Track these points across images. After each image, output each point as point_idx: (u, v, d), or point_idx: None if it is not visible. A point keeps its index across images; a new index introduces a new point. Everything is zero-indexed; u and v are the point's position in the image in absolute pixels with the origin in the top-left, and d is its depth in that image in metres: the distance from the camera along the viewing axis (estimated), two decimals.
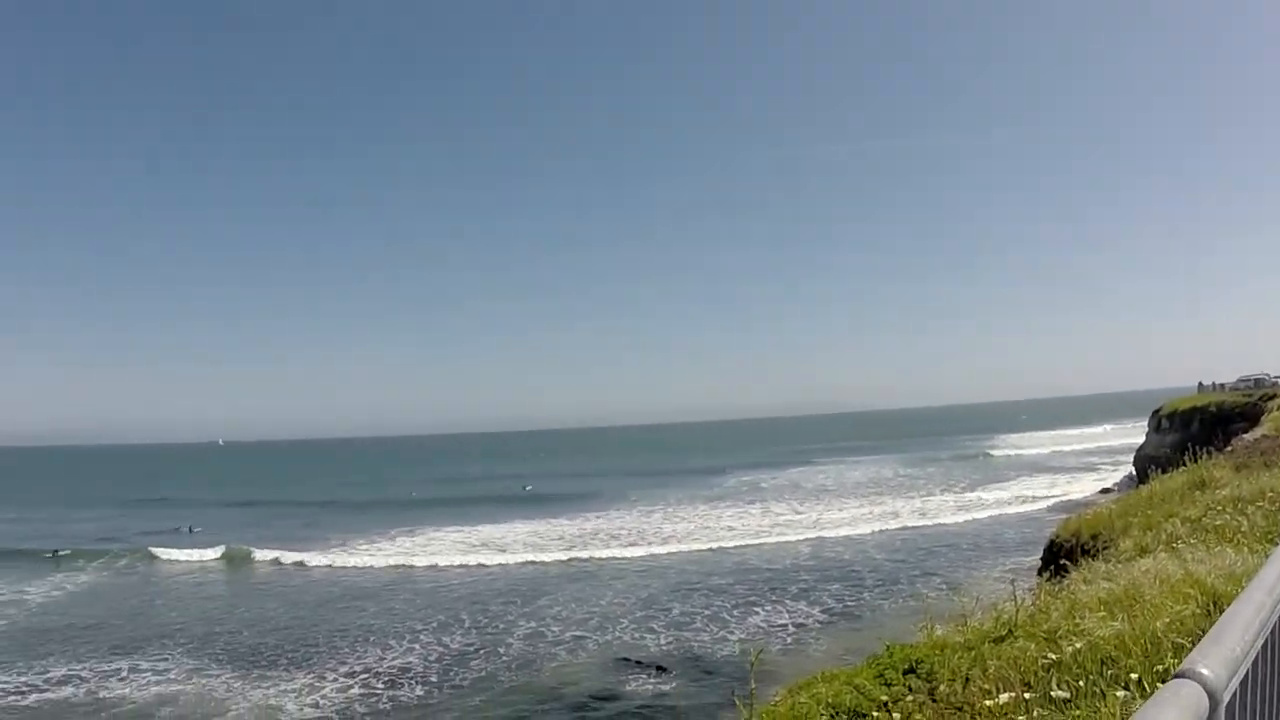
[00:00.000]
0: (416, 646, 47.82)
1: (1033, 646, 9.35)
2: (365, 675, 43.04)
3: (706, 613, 52.41)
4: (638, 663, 42.29)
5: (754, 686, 10.69)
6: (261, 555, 77.49)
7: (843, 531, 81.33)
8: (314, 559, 72.61)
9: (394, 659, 45.61)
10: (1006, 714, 7.84)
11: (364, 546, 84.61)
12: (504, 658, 45.06)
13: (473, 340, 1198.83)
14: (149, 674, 44.89)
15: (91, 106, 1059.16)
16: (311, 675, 43.28)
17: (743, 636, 46.20)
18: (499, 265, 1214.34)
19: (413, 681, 41.82)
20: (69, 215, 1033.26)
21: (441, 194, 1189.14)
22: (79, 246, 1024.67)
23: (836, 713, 9.98)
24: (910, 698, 9.49)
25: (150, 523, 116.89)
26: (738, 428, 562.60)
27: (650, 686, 38.98)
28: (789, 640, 44.93)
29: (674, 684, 39.08)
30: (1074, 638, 9.03)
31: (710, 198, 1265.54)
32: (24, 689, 43.24)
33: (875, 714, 9.30)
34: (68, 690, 42.83)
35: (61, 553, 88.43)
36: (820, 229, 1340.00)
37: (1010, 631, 10.51)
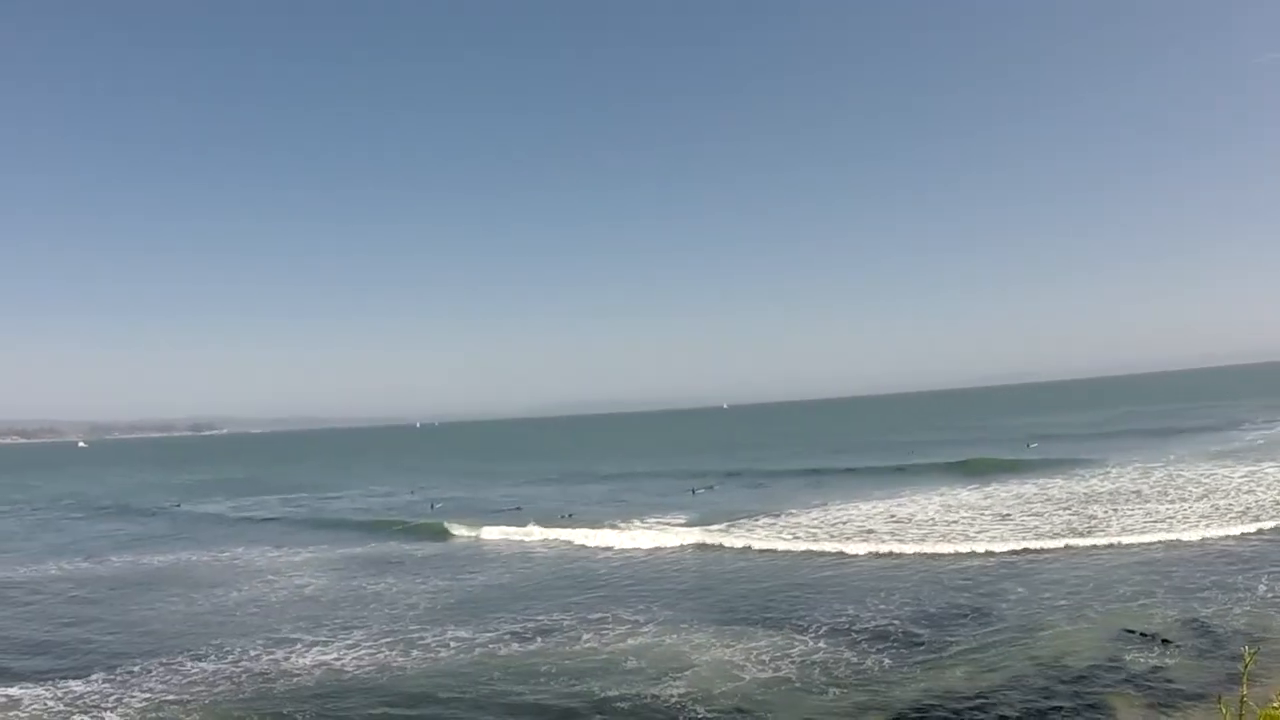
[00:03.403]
0: (888, 613, 46.46)
1: None
2: (832, 638, 42.42)
3: (1212, 578, 48.12)
4: (1141, 634, 39.14)
5: (1244, 692, 8.00)
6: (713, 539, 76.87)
7: None
8: (761, 542, 71.02)
9: (863, 624, 44.58)
10: None
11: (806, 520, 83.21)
12: (994, 623, 43.07)
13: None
14: (621, 627, 47.42)
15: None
16: (778, 637, 43.07)
17: (1250, 609, 41.90)
18: None
19: (885, 646, 40.71)
20: None
21: None
22: None
23: None
24: None
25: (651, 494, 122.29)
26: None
27: (1151, 660, 35.94)
28: None
29: (1175, 659, 35.92)
30: None
31: None
32: (510, 636, 47.25)
33: None
34: (551, 639, 46.05)
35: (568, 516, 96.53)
36: None
37: None
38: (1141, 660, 35.70)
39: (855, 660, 38.57)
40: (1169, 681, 33.04)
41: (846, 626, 43.98)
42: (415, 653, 45.04)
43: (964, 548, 61.59)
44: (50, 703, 39.85)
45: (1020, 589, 49.38)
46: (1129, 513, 70.57)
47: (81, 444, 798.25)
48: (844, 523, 77.17)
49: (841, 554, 62.37)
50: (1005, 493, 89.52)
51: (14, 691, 41.69)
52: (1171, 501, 74.68)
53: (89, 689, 41.64)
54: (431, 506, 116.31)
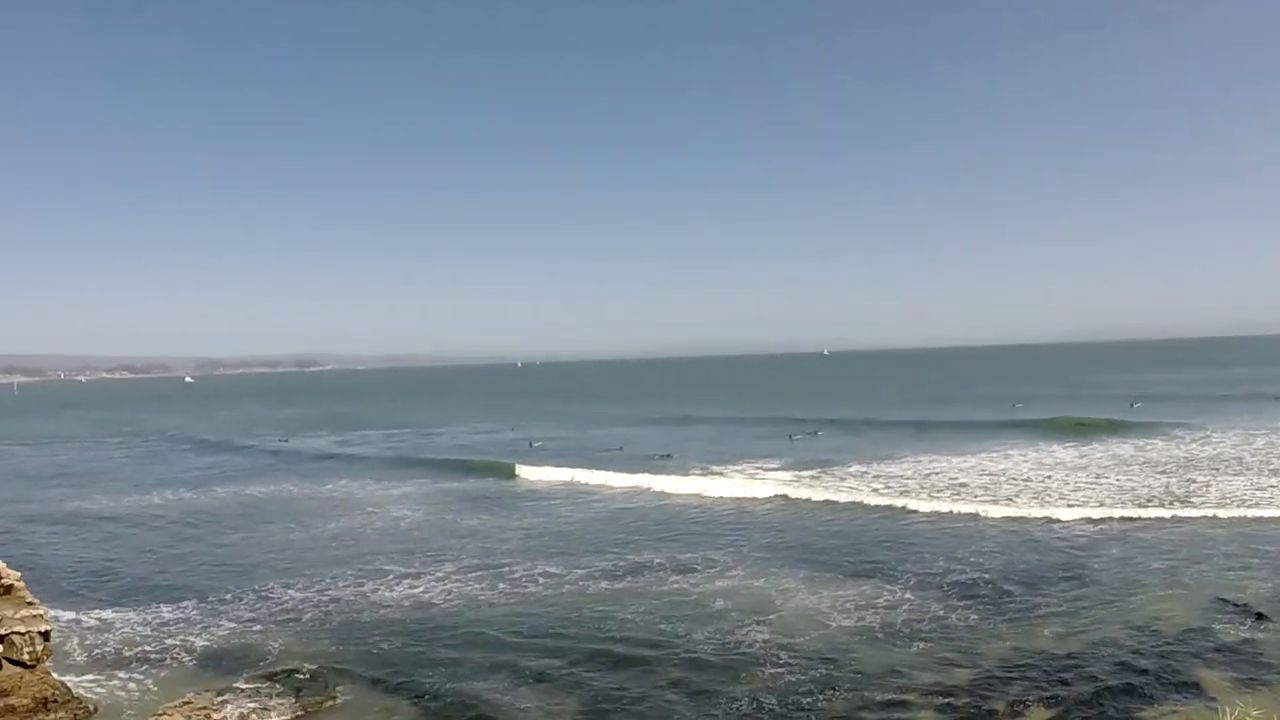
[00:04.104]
0: (977, 568, 46.24)
1: None
2: (920, 591, 42.35)
3: None
4: (1234, 604, 38.33)
5: None
6: (806, 486, 76.56)
7: None
8: (853, 492, 70.43)
9: (951, 579, 44.38)
10: None
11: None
12: (1086, 585, 42.58)
13: None
14: (711, 569, 47.96)
15: None
16: (867, 587, 43.23)
17: None
18: None
19: (973, 602, 40.53)
20: None
21: None
22: None
23: None
24: None
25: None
26: None
27: (1242, 632, 35.15)
28: None
29: (1267, 633, 35.02)
30: None
31: None
32: (600, 573, 48.10)
33: None
34: (640, 578, 46.78)
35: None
36: None
37: None
38: (1232, 632, 34.96)
39: (942, 614, 38.47)
40: (1259, 654, 32.34)
41: (934, 581, 43.87)
42: (503, 586, 46.05)
43: (1057, 506, 60.92)
44: (139, 626, 41.45)
45: (1113, 551, 48.76)
46: (1229, 480, 68.73)
47: (189, 379, 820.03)
48: (937, 474, 76.95)
49: (933, 509, 62.00)
50: (1102, 452, 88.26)
51: (107, 614, 43.44)
52: (1275, 471, 72.52)
53: (179, 615, 43.25)
54: (530, 445, 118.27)
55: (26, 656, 31.09)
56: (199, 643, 38.54)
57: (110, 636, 39.92)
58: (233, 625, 41.10)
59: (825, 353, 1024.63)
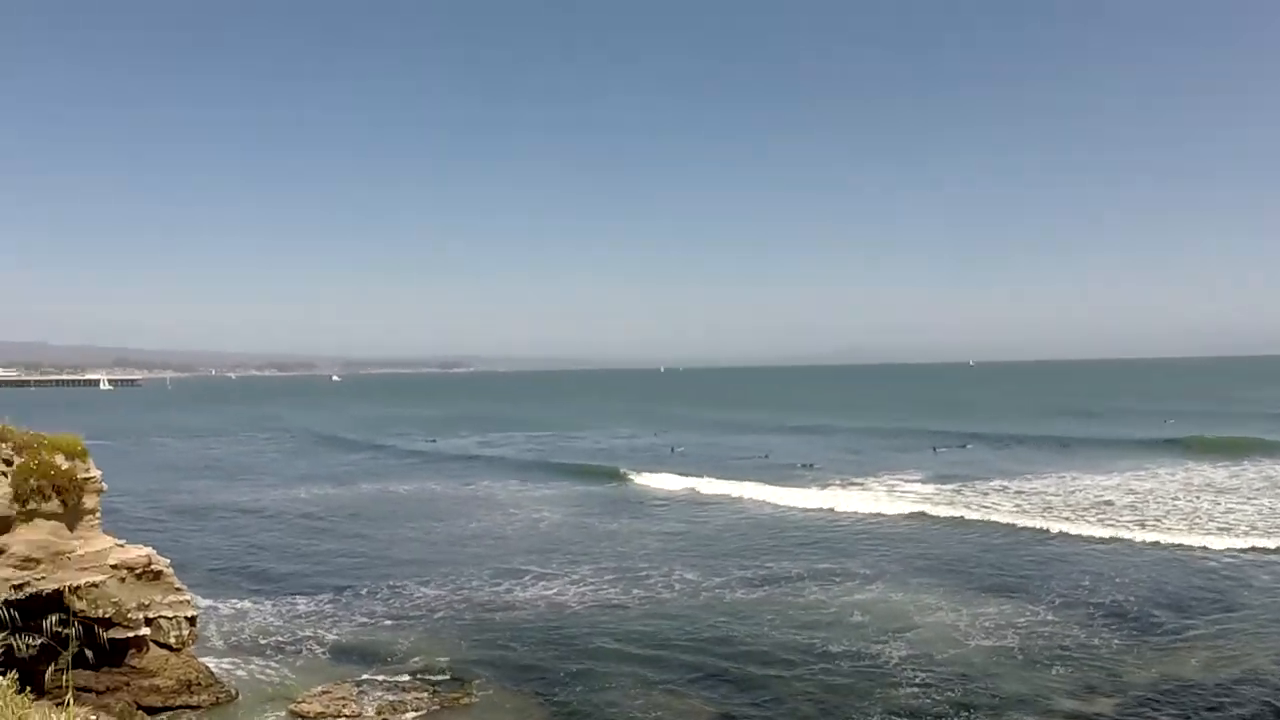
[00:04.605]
0: (1122, 592, 44.42)
1: None
2: (1062, 613, 40.97)
3: None
4: None
5: None
6: (947, 501, 74.79)
7: None
8: (995, 508, 68.60)
9: (1095, 601, 42.78)
10: None
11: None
12: (1237, 613, 40.68)
13: None
14: (850, 582, 47.19)
15: None
16: (1008, 606, 42.03)
17: None
18: None
19: (1117, 626, 38.96)
20: None
21: None
22: None
23: None
24: None
25: None
26: None
27: None
28: None
29: None
30: None
31: None
32: (737, 582, 47.55)
33: None
34: (778, 588, 46.24)
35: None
36: None
37: None
38: None
39: (1084, 638, 37.17)
40: None
41: (1077, 602, 42.43)
42: (638, 591, 45.98)
43: (1207, 530, 58.57)
44: (271, 617, 42.41)
45: (1265, 578, 46.68)
46: None
47: (335, 378, 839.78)
48: (1080, 492, 74.67)
49: (1077, 529, 59.86)
50: (1254, 473, 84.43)
51: (244, 604, 44.56)
52: None
53: (313, 607, 44.16)
54: (672, 450, 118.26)
55: (173, 640, 32.06)
56: (331, 635, 39.31)
57: (246, 624, 41.00)
58: (365, 620, 41.80)
59: (971, 364, 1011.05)
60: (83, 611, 30.26)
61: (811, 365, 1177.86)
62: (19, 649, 27.14)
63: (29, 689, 9.05)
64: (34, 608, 28.81)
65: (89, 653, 30.21)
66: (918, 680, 32.64)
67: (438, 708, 31.04)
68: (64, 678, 18.85)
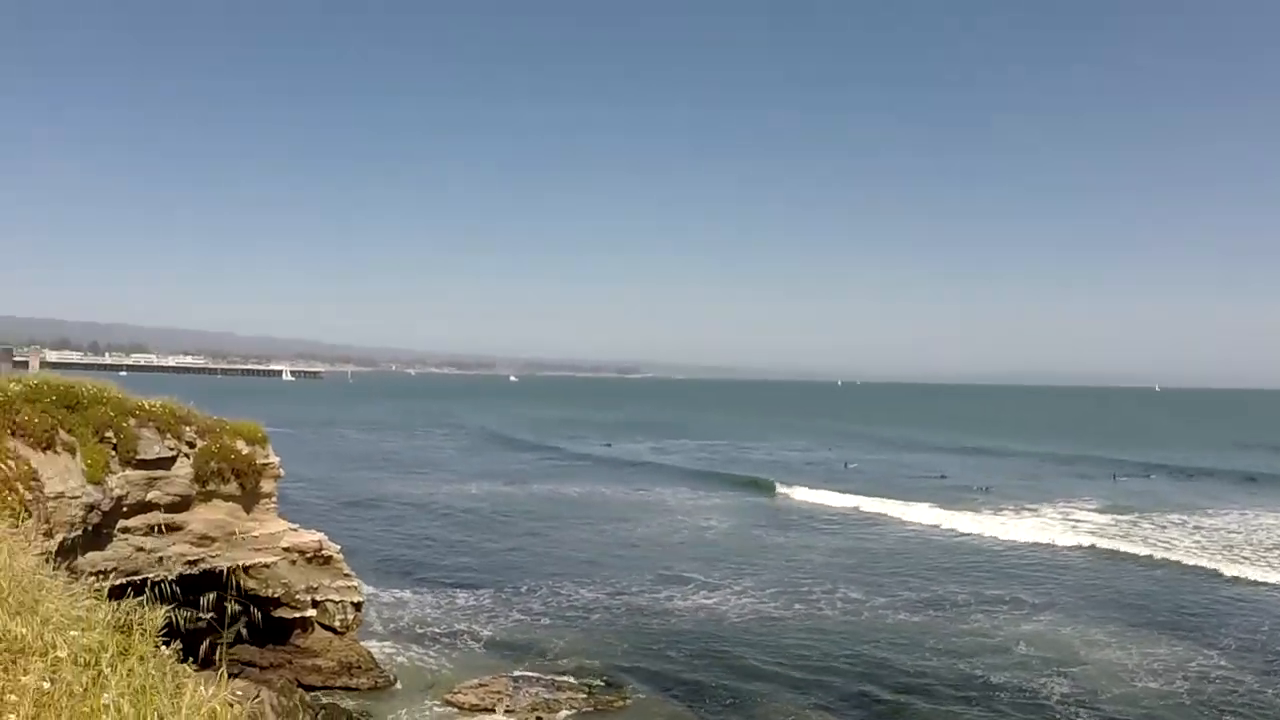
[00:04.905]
0: None
1: None
2: (1237, 659, 38.88)
3: None
4: None
5: None
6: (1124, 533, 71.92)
7: None
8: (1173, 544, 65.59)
9: (1274, 650, 40.43)
10: None
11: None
12: None
13: None
14: (1018, 611, 45.88)
15: None
16: (1179, 648, 40.16)
17: None
18: None
19: None
20: None
21: None
22: None
23: None
24: None
25: None
26: None
27: None
28: None
29: None
30: None
31: None
32: (901, 604, 46.75)
33: None
34: (943, 612, 45.47)
35: None
36: None
37: None
38: None
39: (1257, 687, 35.29)
40: None
41: (1254, 648, 40.30)
42: (799, 607, 45.57)
43: None
44: (430, 609, 43.31)
45: None
46: None
47: (513, 378, 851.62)
48: (1264, 530, 70.82)
49: (1259, 571, 56.60)
50: None
51: (404, 594, 45.65)
52: None
53: (472, 601, 44.97)
54: (845, 466, 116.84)
55: (338, 623, 33.10)
56: (486, 631, 39.98)
57: (405, 614, 42.01)
58: (522, 617, 42.42)
59: (1157, 388, 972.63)
60: (253, 590, 31.53)
61: (990, 384, 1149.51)
62: (185, 622, 28.35)
63: (191, 659, 9.34)
64: (204, 584, 30.04)
65: (254, 628, 31.37)
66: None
67: (590, 710, 31.30)
68: (222, 652, 19.78)
